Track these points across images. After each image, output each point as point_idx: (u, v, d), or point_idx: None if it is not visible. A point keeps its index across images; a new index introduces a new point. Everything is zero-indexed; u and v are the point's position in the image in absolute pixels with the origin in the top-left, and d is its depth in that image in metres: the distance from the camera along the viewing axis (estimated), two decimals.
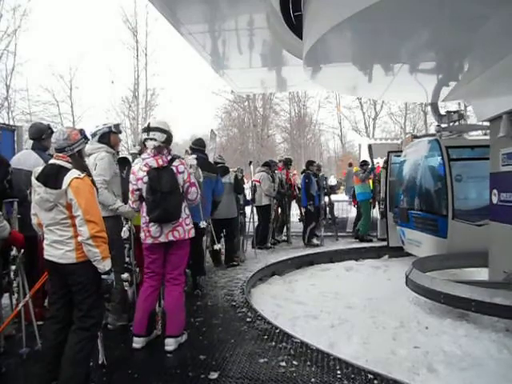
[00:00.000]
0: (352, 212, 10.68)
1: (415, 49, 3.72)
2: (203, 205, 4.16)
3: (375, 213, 8.88)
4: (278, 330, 3.52)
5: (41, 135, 3.74)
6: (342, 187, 17.15)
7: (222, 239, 6.45)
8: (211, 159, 5.20)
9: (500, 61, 3.56)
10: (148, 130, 3.17)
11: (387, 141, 18.39)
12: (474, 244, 5.01)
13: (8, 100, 20.58)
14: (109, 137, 3.61)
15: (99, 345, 2.81)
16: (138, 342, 3.21)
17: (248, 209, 7.38)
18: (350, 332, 3.93)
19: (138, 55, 24.84)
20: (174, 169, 3.14)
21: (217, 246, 5.26)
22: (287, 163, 8.79)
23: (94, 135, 3.56)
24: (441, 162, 5.70)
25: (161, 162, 3.13)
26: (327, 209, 9.12)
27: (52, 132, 3.55)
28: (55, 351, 2.44)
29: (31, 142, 3.78)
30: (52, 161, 2.49)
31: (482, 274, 5.12)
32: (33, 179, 2.43)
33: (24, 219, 3.01)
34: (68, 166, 2.43)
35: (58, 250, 2.40)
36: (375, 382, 2.61)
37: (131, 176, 3.26)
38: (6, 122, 16.79)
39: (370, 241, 8.39)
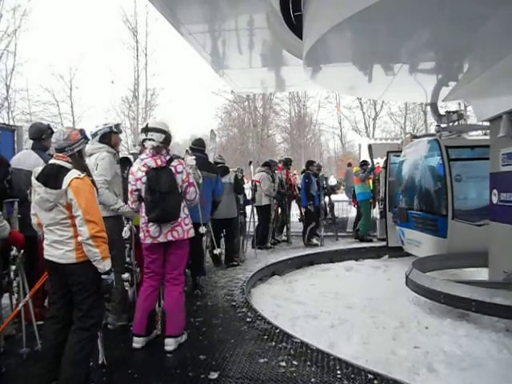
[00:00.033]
0: (352, 212, 10.68)
1: (415, 49, 3.73)
2: (202, 205, 4.16)
3: (375, 213, 8.89)
4: (278, 330, 3.52)
5: (41, 135, 3.75)
6: (342, 187, 17.13)
7: (222, 239, 6.47)
8: (211, 159, 5.20)
9: (500, 61, 3.56)
10: (146, 130, 3.18)
11: (387, 141, 18.36)
12: (473, 244, 5.01)
13: (8, 100, 20.57)
14: (110, 137, 3.61)
15: (99, 345, 2.81)
16: (137, 342, 3.21)
17: (248, 208, 7.38)
18: (349, 332, 3.93)
19: (138, 55, 24.83)
20: (172, 169, 3.14)
21: (217, 251, 5.21)
22: (287, 163, 8.80)
23: (94, 135, 3.56)
24: (440, 161, 5.70)
25: (159, 162, 3.14)
26: (327, 209, 9.12)
27: (52, 132, 3.55)
28: (55, 351, 2.44)
29: (31, 142, 3.78)
30: (52, 161, 2.49)
31: (482, 274, 5.12)
32: (33, 179, 2.43)
33: (24, 219, 3.01)
34: (68, 166, 2.43)
35: (57, 249, 2.40)
36: (375, 382, 2.61)
37: (130, 176, 3.27)
38: (6, 122, 16.79)
39: (370, 241, 8.40)
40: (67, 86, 24.21)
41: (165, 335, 3.20)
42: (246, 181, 9.12)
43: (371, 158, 9.16)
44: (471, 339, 3.70)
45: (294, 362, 2.91)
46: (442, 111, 6.30)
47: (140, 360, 3.06)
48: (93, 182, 2.53)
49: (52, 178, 2.37)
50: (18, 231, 3.15)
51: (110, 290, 2.57)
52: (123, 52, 31.54)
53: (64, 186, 2.33)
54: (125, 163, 4.00)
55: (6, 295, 3.37)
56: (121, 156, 4.18)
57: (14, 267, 3.21)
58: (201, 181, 4.15)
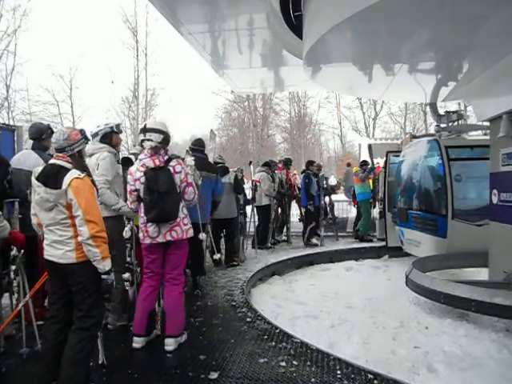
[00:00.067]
0: (352, 212, 10.68)
1: (415, 49, 3.73)
2: (201, 205, 4.15)
3: (375, 213, 8.89)
4: (278, 330, 3.52)
5: (41, 135, 3.75)
6: (342, 187, 17.13)
7: (222, 240, 6.47)
8: (211, 159, 5.21)
9: (500, 61, 3.56)
10: (144, 131, 3.18)
11: (387, 141, 18.38)
12: (473, 244, 5.02)
13: (8, 100, 20.58)
14: (111, 137, 3.62)
15: (99, 345, 2.81)
16: (137, 342, 3.21)
17: (249, 208, 7.38)
18: (349, 332, 3.93)
19: (138, 55, 24.84)
20: (170, 169, 3.14)
21: (216, 256, 5.18)
22: (287, 163, 8.80)
23: (95, 135, 3.57)
24: (440, 161, 5.70)
25: (157, 163, 3.14)
26: (327, 209, 9.12)
27: (52, 132, 3.55)
28: (55, 351, 2.44)
29: (31, 142, 3.78)
30: (52, 161, 2.49)
31: (482, 274, 5.12)
32: (33, 179, 2.43)
33: (24, 219, 3.01)
34: (68, 166, 2.43)
35: (57, 250, 2.40)
36: (375, 382, 2.61)
37: (128, 177, 3.27)
38: (6, 122, 16.79)
39: (370, 241, 8.40)
40: (67, 85, 24.28)
41: (165, 335, 3.20)
42: (246, 181, 9.13)
43: (371, 158, 9.16)
44: (471, 339, 3.70)
45: (294, 362, 2.91)
46: (441, 111, 6.30)
47: (140, 360, 3.06)
48: (93, 182, 2.53)
49: (52, 178, 2.37)
50: (19, 231, 3.15)
51: (110, 290, 2.57)
52: (123, 52, 31.63)
53: (64, 186, 2.33)
54: (126, 163, 4.00)
55: (6, 295, 3.37)
56: (123, 156, 4.18)
57: (14, 267, 3.21)
58: (200, 182, 4.15)
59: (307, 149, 30.72)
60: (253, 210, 7.35)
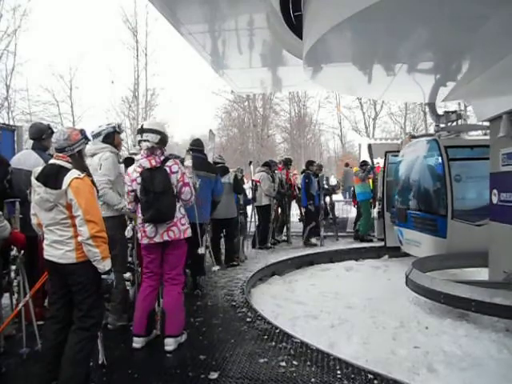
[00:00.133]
0: (352, 212, 10.68)
1: (415, 49, 3.72)
2: (198, 206, 4.15)
3: (375, 213, 8.88)
4: (278, 330, 3.52)
5: (41, 135, 3.75)
6: (341, 187, 17.15)
7: (222, 240, 6.47)
8: (210, 159, 5.20)
9: (500, 61, 3.56)
10: (141, 131, 3.19)
11: (387, 141, 18.38)
12: (473, 244, 5.02)
13: (8, 100, 20.57)
14: (113, 137, 3.63)
15: (99, 345, 2.81)
16: (137, 342, 3.21)
17: (249, 208, 7.37)
18: (349, 332, 3.93)
19: (138, 55, 24.80)
20: (167, 169, 3.15)
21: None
22: (287, 163, 8.80)
23: (97, 135, 3.58)
24: (440, 161, 5.70)
25: (154, 163, 3.15)
26: (328, 208, 9.12)
27: (52, 132, 3.55)
28: (55, 351, 2.44)
29: (31, 141, 3.78)
30: (52, 161, 2.49)
31: (482, 274, 5.12)
32: (32, 179, 2.43)
33: (25, 219, 3.01)
34: (68, 166, 2.43)
35: (57, 250, 2.40)
36: (375, 382, 2.61)
37: (126, 177, 3.29)
38: (6, 122, 16.79)
39: (370, 241, 8.39)
40: (67, 85, 24.24)
41: (164, 335, 3.20)
42: (246, 181, 9.13)
43: (371, 158, 9.15)
44: (471, 339, 3.70)
45: (294, 362, 2.91)
46: (440, 111, 6.30)
47: (140, 360, 3.06)
48: (93, 182, 2.53)
49: (52, 178, 2.37)
50: (19, 231, 3.15)
51: (110, 290, 2.57)
52: (123, 52, 31.57)
53: (64, 186, 2.33)
54: (129, 163, 4.00)
55: (6, 295, 3.37)
56: (125, 156, 4.18)
57: (14, 267, 3.21)
58: (198, 185, 4.12)
59: (307, 149, 30.71)
60: (253, 209, 7.34)
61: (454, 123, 6.06)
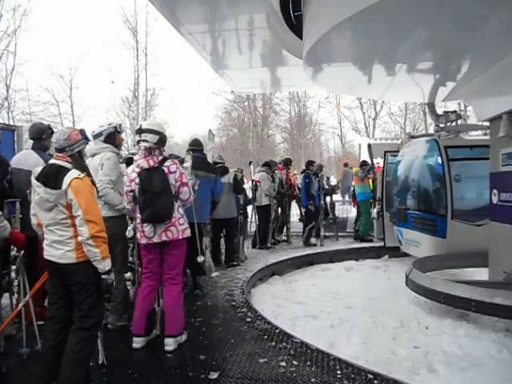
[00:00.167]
0: (352, 212, 10.68)
1: (415, 49, 3.72)
2: (197, 208, 4.14)
3: (374, 213, 8.88)
4: (278, 330, 3.52)
5: (41, 135, 3.75)
6: (340, 187, 17.18)
7: (222, 240, 6.47)
8: (210, 159, 5.20)
9: (500, 61, 3.56)
10: (140, 131, 3.19)
11: (387, 141, 18.39)
12: (473, 244, 5.01)
13: (8, 100, 20.59)
14: (114, 137, 3.63)
15: (99, 345, 2.81)
16: (137, 342, 3.21)
17: (249, 208, 7.36)
18: (349, 332, 3.93)
19: (138, 55, 24.84)
20: (165, 169, 3.15)
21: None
22: (287, 163, 8.80)
23: (99, 135, 3.58)
24: (440, 161, 5.70)
25: (152, 163, 3.15)
26: (328, 208, 9.12)
27: (52, 132, 3.55)
28: (55, 351, 2.44)
29: (31, 141, 3.79)
30: (52, 161, 2.49)
31: (482, 274, 5.12)
32: (32, 179, 2.43)
33: (25, 219, 3.01)
34: (68, 166, 2.43)
35: (57, 250, 2.40)
36: (375, 382, 2.61)
37: (125, 178, 3.29)
38: (6, 122, 16.80)
39: (370, 241, 8.39)
40: (67, 85, 24.27)
41: (164, 335, 3.20)
42: (246, 181, 9.13)
43: (371, 158, 9.15)
44: (471, 339, 3.70)
45: (294, 362, 2.91)
46: (440, 111, 6.29)
47: (140, 360, 3.06)
48: (92, 182, 2.53)
49: (52, 178, 2.37)
50: (20, 231, 3.15)
51: (110, 290, 2.57)
52: (123, 52, 31.65)
53: (64, 186, 2.33)
54: (130, 163, 4.00)
55: (6, 295, 3.37)
56: (127, 156, 4.18)
57: (14, 267, 3.21)
58: (196, 187, 4.11)
59: (307, 149, 30.72)
60: (253, 209, 7.34)
61: (454, 123, 6.06)
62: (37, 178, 2.41)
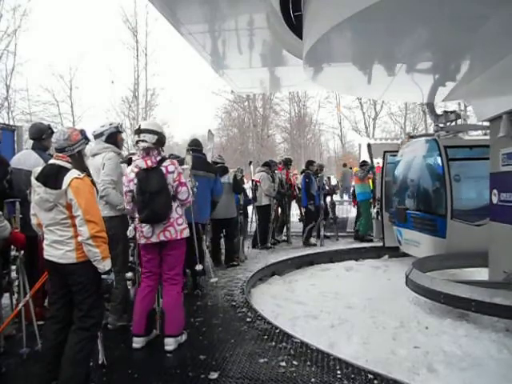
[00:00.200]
0: (352, 212, 10.68)
1: (415, 49, 3.72)
2: (195, 210, 4.14)
3: (373, 213, 8.88)
4: (278, 330, 3.52)
5: (41, 135, 3.75)
6: (341, 187, 17.19)
7: (222, 240, 6.47)
8: (209, 159, 5.21)
9: (500, 61, 3.56)
10: (139, 132, 3.19)
11: (387, 141, 18.39)
12: (473, 244, 5.02)
13: (8, 100, 20.57)
14: (116, 137, 3.63)
15: (99, 345, 2.81)
16: (137, 342, 3.21)
17: (250, 208, 7.36)
18: (350, 332, 3.93)
19: (138, 55, 24.83)
20: (163, 169, 3.15)
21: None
22: (287, 163, 8.80)
23: (100, 135, 3.58)
24: (439, 161, 5.70)
25: (149, 163, 3.15)
26: (329, 208, 9.12)
27: (52, 132, 3.55)
28: (55, 351, 2.44)
29: (31, 141, 3.79)
30: (52, 161, 2.49)
31: (482, 274, 5.12)
32: (32, 179, 2.43)
33: (25, 219, 3.01)
34: (68, 166, 2.43)
35: (58, 250, 2.40)
36: (375, 382, 2.61)
37: (123, 178, 3.28)
38: (6, 122, 16.79)
39: (370, 241, 8.39)
40: (67, 85, 24.26)
41: (164, 335, 3.20)
42: (246, 181, 9.13)
43: (371, 158, 9.15)
44: (471, 339, 3.70)
45: (294, 362, 2.91)
46: (440, 111, 6.29)
47: (140, 360, 3.06)
48: (92, 182, 2.54)
49: (52, 178, 2.37)
50: (20, 231, 3.14)
51: (110, 290, 2.57)
52: (123, 52, 31.64)
53: (64, 186, 2.33)
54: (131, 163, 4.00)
55: (6, 295, 3.36)
56: (128, 156, 4.17)
57: (14, 267, 3.21)
58: (195, 189, 4.10)
59: (307, 149, 30.73)
60: (254, 209, 7.33)
61: (453, 123, 6.06)
62: (37, 178, 2.41)
